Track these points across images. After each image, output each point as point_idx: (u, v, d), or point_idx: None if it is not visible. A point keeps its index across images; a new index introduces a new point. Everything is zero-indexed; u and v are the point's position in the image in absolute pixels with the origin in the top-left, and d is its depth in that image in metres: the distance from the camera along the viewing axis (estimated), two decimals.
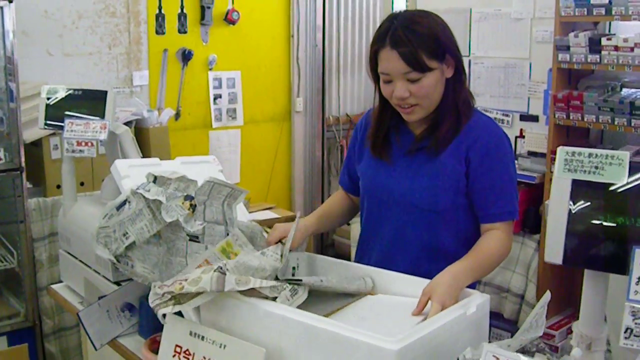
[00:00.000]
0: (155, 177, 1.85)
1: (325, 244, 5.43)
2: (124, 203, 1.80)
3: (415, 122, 1.96)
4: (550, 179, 3.26)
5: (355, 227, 4.08)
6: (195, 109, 4.57)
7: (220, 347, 1.60)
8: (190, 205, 1.78)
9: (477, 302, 1.64)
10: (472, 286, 1.91)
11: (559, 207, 1.29)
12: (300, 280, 1.72)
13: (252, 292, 1.64)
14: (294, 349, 1.53)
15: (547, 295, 1.57)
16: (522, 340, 1.49)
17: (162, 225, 1.79)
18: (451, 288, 1.65)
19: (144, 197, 1.77)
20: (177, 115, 4.41)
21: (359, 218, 3.95)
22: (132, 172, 2.08)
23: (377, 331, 1.44)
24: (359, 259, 2.11)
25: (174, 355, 1.69)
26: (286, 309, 1.59)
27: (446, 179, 1.91)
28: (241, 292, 1.63)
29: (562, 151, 1.32)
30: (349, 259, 3.82)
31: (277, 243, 1.92)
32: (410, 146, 1.97)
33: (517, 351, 1.45)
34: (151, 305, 1.68)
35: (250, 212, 4.68)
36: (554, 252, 1.36)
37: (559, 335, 3.36)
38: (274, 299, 1.64)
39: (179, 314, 1.78)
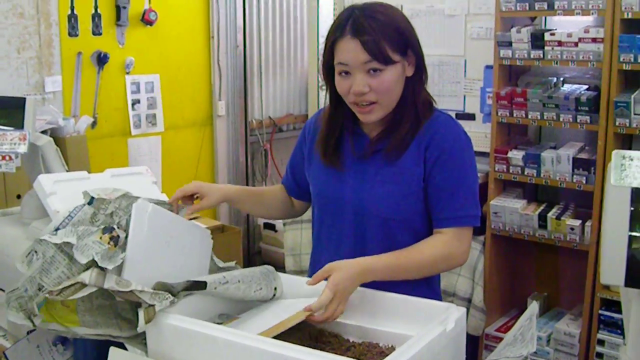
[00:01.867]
0: (92, 198, 1.65)
1: (251, 251, 5.26)
2: (30, 254, 1.58)
3: (370, 125, 1.82)
4: (495, 178, 3.24)
5: (289, 235, 3.92)
6: (113, 116, 4.33)
7: None
8: (111, 238, 1.58)
9: (456, 317, 1.52)
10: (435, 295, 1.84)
11: (616, 220, 1.15)
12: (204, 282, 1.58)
13: (130, 296, 1.53)
14: None
15: (534, 307, 1.47)
16: (510, 359, 1.37)
17: (82, 268, 1.57)
18: (352, 282, 1.61)
19: (51, 242, 1.56)
20: (94, 123, 4.16)
21: (295, 225, 3.79)
22: (58, 188, 1.87)
23: None
24: (312, 270, 1.96)
25: None
26: (247, 337, 1.43)
27: (405, 184, 1.79)
28: (120, 295, 1.53)
29: (617, 156, 1.17)
30: (281, 269, 3.68)
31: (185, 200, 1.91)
32: (364, 150, 1.83)
33: None
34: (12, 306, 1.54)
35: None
36: (613, 272, 1.20)
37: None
38: (152, 306, 1.51)
39: (123, 346, 1.60)
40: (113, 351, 1.52)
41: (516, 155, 3.19)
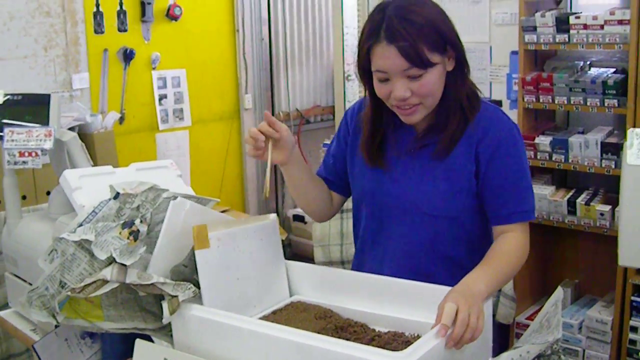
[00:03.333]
0: (118, 193, 1.66)
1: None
2: (52, 253, 1.58)
3: None
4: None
5: (317, 227, 3.90)
6: (140, 111, 4.35)
7: None
8: (131, 232, 1.58)
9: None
10: None
11: (634, 200, 1.12)
12: None
13: (153, 289, 1.52)
14: None
15: (559, 293, 1.44)
16: (536, 345, 1.35)
17: (104, 264, 1.58)
18: (465, 294, 1.44)
19: (70, 240, 1.56)
20: (121, 119, 4.18)
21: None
22: (83, 182, 1.88)
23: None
24: (356, 269, 1.95)
25: None
26: (272, 327, 1.42)
27: (455, 181, 1.72)
28: (142, 288, 1.52)
29: (632, 134, 1.13)
30: (310, 261, 3.67)
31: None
32: (410, 145, 1.77)
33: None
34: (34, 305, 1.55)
35: None
36: (632, 254, 1.17)
37: None
38: (175, 297, 1.51)
39: (149, 339, 1.60)
40: (139, 343, 1.52)
41: (544, 141, 3.14)
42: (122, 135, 4.12)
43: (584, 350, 3.17)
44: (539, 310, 3.39)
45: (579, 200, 3.09)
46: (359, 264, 1.93)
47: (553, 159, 3.15)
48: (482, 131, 1.71)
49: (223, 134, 4.85)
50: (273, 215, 1.84)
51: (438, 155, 1.72)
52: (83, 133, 3.60)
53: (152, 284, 1.51)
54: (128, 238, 1.56)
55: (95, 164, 3.35)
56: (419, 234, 1.77)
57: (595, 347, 3.14)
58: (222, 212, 4.50)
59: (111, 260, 1.53)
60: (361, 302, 1.74)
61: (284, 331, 1.39)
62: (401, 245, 1.80)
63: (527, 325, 3.27)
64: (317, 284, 1.84)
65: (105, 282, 1.50)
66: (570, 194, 3.17)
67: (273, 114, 5.04)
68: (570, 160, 3.10)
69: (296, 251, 5.07)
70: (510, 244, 1.67)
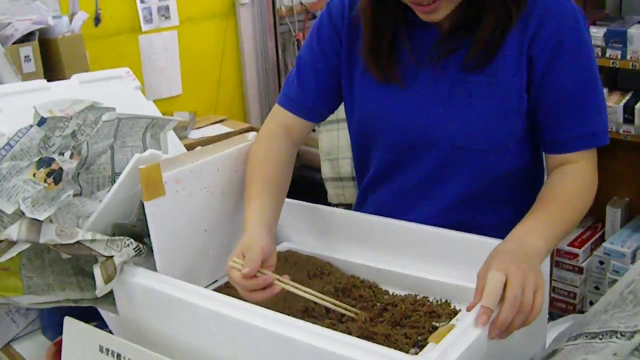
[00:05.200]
0: (43, 118, 1.27)
1: None
2: None
3: None
4: None
5: (324, 137, 3.53)
6: (119, 10, 3.89)
7: None
8: (49, 172, 1.18)
9: None
10: None
11: None
12: None
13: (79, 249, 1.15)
14: None
15: None
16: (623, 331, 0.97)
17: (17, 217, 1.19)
18: (516, 257, 1.04)
19: None
20: (97, 20, 3.73)
21: (330, 125, 3.39)
22: (5, 103, 1.48)
23: None
24: (359, 205, 1.56)
25: None
26: (237, 307, 1.05)
27: (502, 99, 1.27)
28: (65, 249, 1.15)
29: None
30: (318, 174, 3.31)
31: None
32: (432, 50, 1.30)
33: None
34: None
35: (197, 128, 4.16)
36: None
37: (582, 254, 2.87)
38: (110, 259, 1.15)
39: (84, 315, 1.25)
40: (69, 322, 1.17)
41: (596, 33, 2.67)
42: (98, 40, 3.69)
43: None
44: (583, 234, 3.02)
45: (638, 106, 2.64)
46: (364, 199, 1.54)
47: (607, 55, 2.68)
48: (535, 25, 1.24)
49: (217, 33, 4.40)
50: (253, 135, 1.44)
51: (473, 63, 1.26)
52: (46, 39, 3.17)
53: (76, 242, 1.13)
54: (45, 181, 1.17)
55: (63, 76, 2.97)
56: (450, 172, 1.35)
57: None
58: (219, 122, 4.18)
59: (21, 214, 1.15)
60: (370, 255, 1.37)
61: (252, 314, 1.01)
62: (425, 188, 1.39)
63: (569, 253, 2.90)
64: (313, 228, 1.47)
65: (11, 243, 1.12)
66: (627, 98, 2.72)
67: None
68: (628, 57, 2.64)
69: (304, 161, 4.70)
70: (574, 180, 1.25)
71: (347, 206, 3.45)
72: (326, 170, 3.66)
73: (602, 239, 2.77)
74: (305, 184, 3.82)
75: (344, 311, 1.17)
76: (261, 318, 1.00)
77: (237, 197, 1.39)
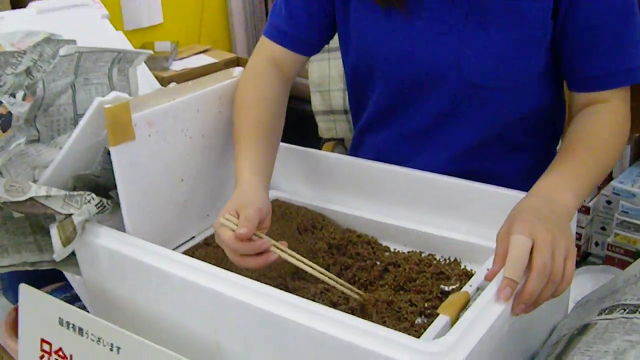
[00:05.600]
0: None
1: None
2: None
3: None
4: None
5: (314, 68, 3.36)
6: None
7: (111, 349, 0.93)
8: None
9: None
10: None
11: None
12: None
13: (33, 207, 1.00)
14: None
15: None
16: None
17: None
18: (543, 215, 0.88)
19: None
20: None
21: (321, 54, 3.21)
22: None
23: None
24: (355, 149, 1.40)
25: (41, 357, 1.02)
26: (213, 274, 0.90)
27: (524, 28, 1.10)
28: (16, 207, 0.99)
29: None
30: (308, 105, 3.16)
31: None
32: None
33: None
34: None
35: (180, 59, 3.95)
36: None
37: None
38: (69, 216, 1.00)
39: (47, 276, 1.11)
40: (24, 289, 1.02)
41: None
42: None
43: None
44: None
45: None
46: (360, 142, 1.39)
47: None
48: None
49: None
50: (238, 70, 1.27)
51: None
52: None
53: (29, 199, 0.98)
54: None
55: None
56: (461, 114, 1.19)
57: None
58: (203, 52, 3.98)
59: None
60: (369, 206, 1.23)
61: (238, 286, 0.87)
62: (432, 132, 1.23)
63: None
64: (304, 175, 1.32)
65: None
66: None
67: None
68: None
69: (294, 92, 4.50)
70: (605, 122, 1.09)
71: (339, 141, 3.30)
72: (316, 103, 3.50)
73: (610, 177, 2.63)
74: (295, 116, 3.65)
75: (348, 292, 1.01)
76: (244, 291, 0.85)
77: (220, 141, 1.23)
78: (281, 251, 0.98)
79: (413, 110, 1.21)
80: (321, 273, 1.01)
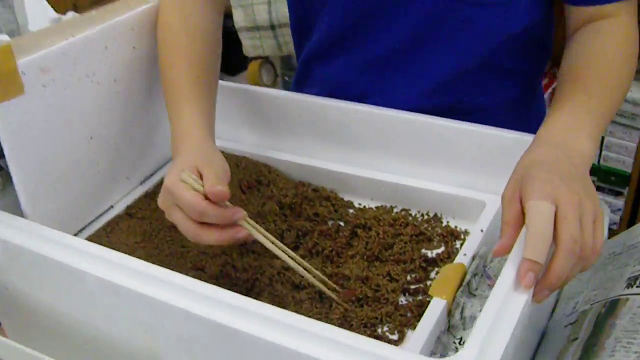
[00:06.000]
0: None
1: None
2: None
3: None
4: None
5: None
6: None
7: None
8: None
9: None
10: None
11: None
12: None
13: None
14: None
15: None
16: None
17: None
18: (563, 170, 0.69)
19: None
20: None
21: None
22: None
23: None
24: (298, 82, 1.16)
25: None
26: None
27: None
28: None
29: None
30: (231, 21, 2.89)
31: None
32: None
33: None
34: None
35: None
36: None
37: None
38: None
39: None
40: None
41: None
42: None
43: None
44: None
45: None
46: (308, 72, 1.15)
47: None
48: None
49: None
50: None
51: None
52: None
53: None
54: None
55: None
56: (437, 37, 0.97)
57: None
58: None
59: None
60: (325, 153, 1.02)
61: (172, 287, 0.66)
62: (400, 58, 1.00)
63: None
64: (243, 118, 1.10)
65: None
66: None
67: None
68: None
69: None
70: (614, 41, 0.89)
71: (266, 59, 3.05)
72: (239, 19, 3.22)
73: None
74: None
75: (325, 290, 0.80)
76: (179, 293, 0.64)
77: (137, 85, 0.99)
78: (253, 228, 0.76)
79: (375, 32, 0.98)
80: (306, 270, 0.80)
